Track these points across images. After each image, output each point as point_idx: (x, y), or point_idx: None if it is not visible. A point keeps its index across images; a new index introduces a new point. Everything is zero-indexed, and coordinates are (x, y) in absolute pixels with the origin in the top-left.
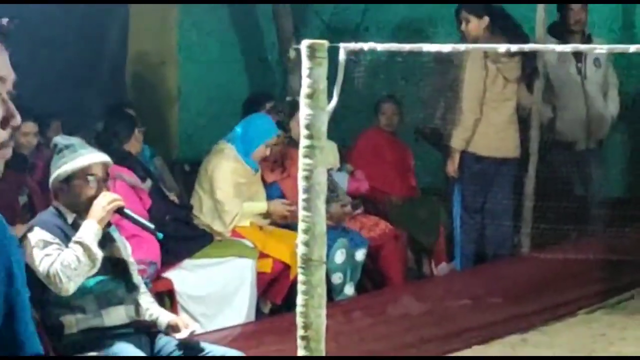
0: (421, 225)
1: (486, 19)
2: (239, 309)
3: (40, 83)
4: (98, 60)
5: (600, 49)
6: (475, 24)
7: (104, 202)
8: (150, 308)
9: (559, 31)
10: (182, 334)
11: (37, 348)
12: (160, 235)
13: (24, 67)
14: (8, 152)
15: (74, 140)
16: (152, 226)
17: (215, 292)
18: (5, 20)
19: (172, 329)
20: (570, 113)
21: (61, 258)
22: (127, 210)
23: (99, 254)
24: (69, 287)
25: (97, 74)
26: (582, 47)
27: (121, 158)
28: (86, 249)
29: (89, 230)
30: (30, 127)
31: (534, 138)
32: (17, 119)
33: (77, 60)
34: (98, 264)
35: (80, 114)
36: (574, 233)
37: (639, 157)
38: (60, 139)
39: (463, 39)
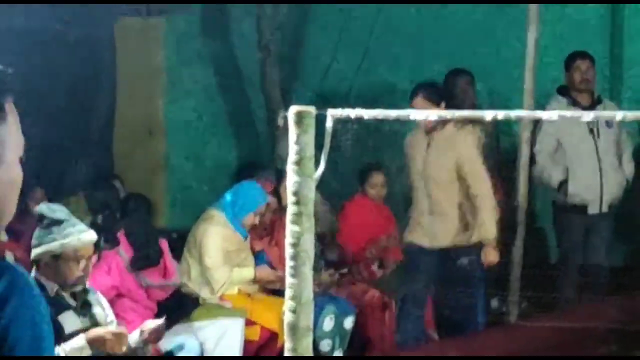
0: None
1: (442, 105)
2: None
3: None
4: (85, 129)
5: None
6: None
7: (108, 337)
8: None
9: (568, 92)
10: (150, 325)
11: None
12: None
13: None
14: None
15: (61, 213)
16: None
17: (206, 352)
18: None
19: (142, 333)
20: (583, 175)
21: None
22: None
23: None
24: None
25: (84, 143)
26: (569, 113)
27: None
28: None
29: (75, 348)
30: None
31: (521, 206)
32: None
33: (63, 128)
34: None
35: (65, 183)
36: (566, 301)
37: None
38: (46, 210)
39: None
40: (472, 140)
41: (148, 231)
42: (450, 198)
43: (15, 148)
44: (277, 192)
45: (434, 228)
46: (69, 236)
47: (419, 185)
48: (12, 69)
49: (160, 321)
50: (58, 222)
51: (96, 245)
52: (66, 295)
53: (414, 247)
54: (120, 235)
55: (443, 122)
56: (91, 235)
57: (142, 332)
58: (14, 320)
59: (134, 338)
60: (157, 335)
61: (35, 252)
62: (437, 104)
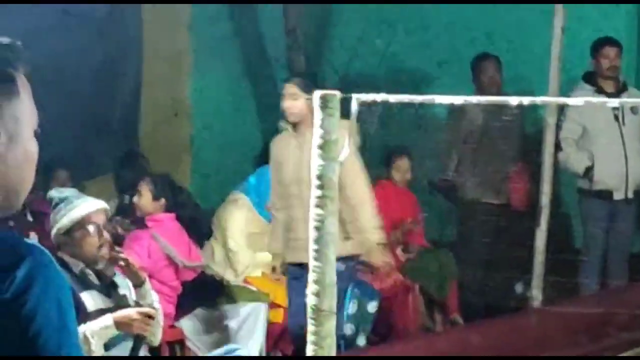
0: (433, 277)
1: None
2: (250, 354)
3: (49, 132)
4: (110, 110)
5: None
6: (303, 102)
7: (135, 317)
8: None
9: (594, 78)
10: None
11: None
12: None
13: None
14: None
15: (68, 191)
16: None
17: (225, 339)
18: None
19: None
20: (609, 161)
21: None
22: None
23: (97, 354)
24: None
25: (109, 124)
26: (595, 100)
27: (184, 212)
28: (85, 343)
29: (101, 327)
30: (61, 174)
31: (546, 191)
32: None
33: (89, 109)
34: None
35: (90, 164)
36: (587, 287)
37: None
38: (55, 193)
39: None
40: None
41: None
42: None
43: (29, 122)
44: None
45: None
46: (74, 208)
47: (294, 191)
48: (20, 42)
49: (152, 311)
50: (64, 200)
51: (123, 226)
52: (91, 274)
53: (295, 266)
54: (155, 217)
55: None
56: (98, 203)
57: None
58: (41, 301)
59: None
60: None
61: (52, 234)
62: (307, 94)
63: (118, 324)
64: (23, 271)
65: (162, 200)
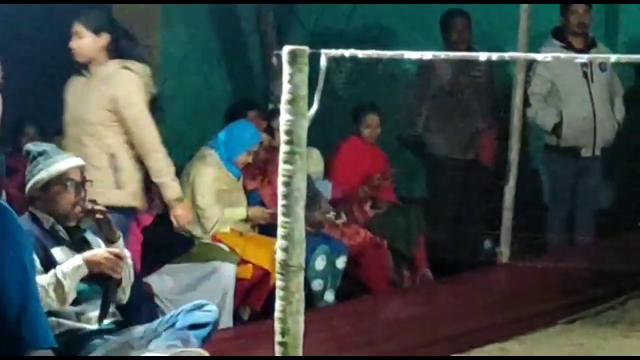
0: (401, 233)
1: (105, 37)
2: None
3: (14, 86)
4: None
5: (581, 58)
6: (89, 41)
7: (105, 256)
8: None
9: (563, 34)
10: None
11: (51, 340)
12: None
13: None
14: None
15: (46, 146)
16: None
17: (194, 296)
18: None
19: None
20: (577, 118)
21: None
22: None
23: (71, 296)
24: None
25: None
26: (564, 56)
27: None
28: (59, 286)
29: (72, 268)
30: (29, 130)
31: (514, 147)
32: None
33: (56, 63)
34: (66, 304)
35: (57, 120)
36: (555, 242)
37: (629, 169)
38: (32, 146)
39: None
40: (135, 81)
41: None
42: (104, 146)
43: None
44: (270, 129)
45: None
46: (54, 163)
47: (71, 131)
48: None
49: (120, 252)
50: (42, 153)
51: None
52: (61, 230)
53: None
54: None
55: (106, 59)
56: (76, 161)
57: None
58: (3, 258)
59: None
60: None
61: (27, 187)
62: (95, 33)
63: (88, 263)
64: None
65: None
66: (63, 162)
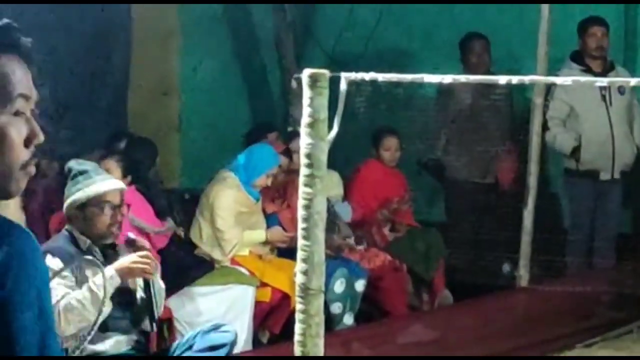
0: (421, 257)
1: None
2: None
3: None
4: (100, 89)
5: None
6: None
7: (133, 260)
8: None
9: (581, 58)
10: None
11: None
12: None
13: None
14: (32, 170)
15: (89, 165)
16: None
17: (214, 319)
18: (29, 40)
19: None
20: (596, 141)
21: (67, 300)
22: (150, 282)
23: (108, 306)
24: (67, 330)
25: (99, 103)
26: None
27: (146, 187)
28: (95, 299)
29: (105, 279)
30: None
31: (533, 171)
32: (40, 137)
33: (78, 88)
34: (104, 315)
35: (79, 143)
36: (574, 266)
37: None
38: (74, 164)
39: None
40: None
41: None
42: None
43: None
44: (288, 152)
45: None
46: (92, 184)
47: None
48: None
49: (148, 254)
50: (83, 172)
51: None
52: (97, 252)
53: None
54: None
55: None
56: (116, 183)
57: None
58: (18, 287)
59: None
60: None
61: (65, 205)
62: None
63: (120, 272)
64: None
65: (129, 178)
66: (102, 184)
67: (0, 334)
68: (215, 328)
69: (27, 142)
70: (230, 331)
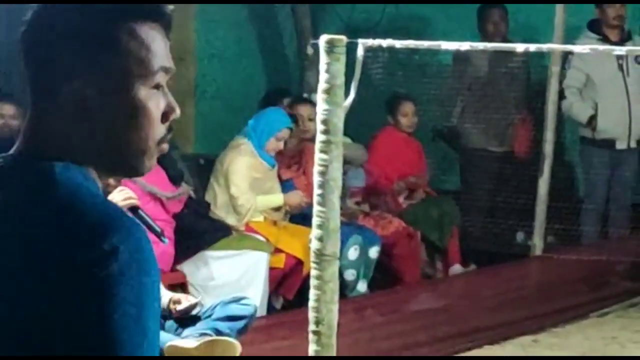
0: (435, 225)
1: None
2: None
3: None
4: None
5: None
6: None
7: (120, 198)
8: None
9: (598, 26)
10: (182, 305)
11: None
12: (166, 241)
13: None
14: (165, 147)
15: None
16: (159, 230)
17: (227, 284)
18: (171, 8)
19: (174, 303)
20: (612, 110)
21: None
22: (140, 211)
23: None
24: None
25: None
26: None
27: (165, 157)
28: None
29: None
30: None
31: (549, 139)
32: (177, 112)
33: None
34: None
35: None
36: (589, 235)
37: None
38: None
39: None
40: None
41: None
42: None
43: None
44: (294, 117)
45: None
46: None
47: None
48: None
49: (194, 301)
50: None
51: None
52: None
53: None
54: None
55: None
56: None
57: (172, 301)
58: (127, 280)
59: (162, 301)
60: (186, 313)
61: None
62: None
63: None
64: (110, 246)
65: None
66: None
67: (98, 323)
68: (236, 300)
69: (164, 117)
70: (250, 304)
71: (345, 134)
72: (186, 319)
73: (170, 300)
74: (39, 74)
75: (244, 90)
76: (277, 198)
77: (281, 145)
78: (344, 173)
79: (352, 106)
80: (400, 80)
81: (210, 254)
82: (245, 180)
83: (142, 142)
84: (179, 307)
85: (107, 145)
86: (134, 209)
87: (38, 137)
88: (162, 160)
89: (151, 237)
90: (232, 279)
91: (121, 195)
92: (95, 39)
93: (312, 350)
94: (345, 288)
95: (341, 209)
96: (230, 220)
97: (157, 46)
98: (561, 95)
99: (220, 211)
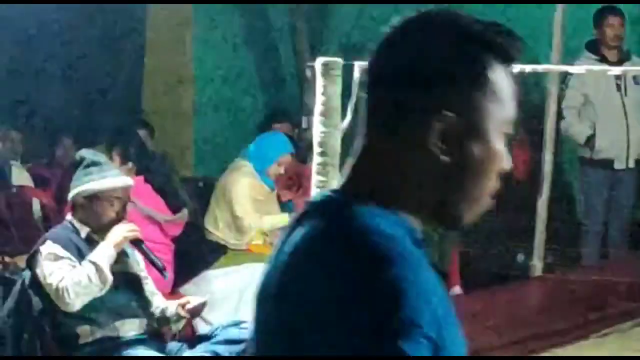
0: (435, 248)
1: None
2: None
3: (53, 99)
4: (113, 77)
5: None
6: None
7: (124, 230)
8: (159, 303)
9: (597, 47)
10: (192, 304)
11: None
12: (167, 276)
13: (39, 81)
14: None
15: (102, 157)
16: (161, 265)
17: (231, 297)
18: (518, 44)
19: (183, 306)
20: (610, 130)
21: (72, 274)
22: (143, 246)
23: (110, 277)
24: (76, 303)
25: (112, 92)
26: (597, 68)
27: (163, 182)
28: (99, 270)
29: (105, 253)
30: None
31: (548, 160)
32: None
33: (92, 77)
34: (107, 287)
35: (93, 132)
36: (588, 256)
37: None
38: (87, 153)
39: None
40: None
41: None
42: None
43: None
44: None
45: None
46: (106, 177)
47: None
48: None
49: (202, 299)
50: (96, 164)
51: None
52: (98, 239)
53: None
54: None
55: None
56: (127, 180)
57: (180, 306)
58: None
59: (170, 310)
60: (196, 312)
61: (72, 192)
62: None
63: (114, 245)
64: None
65: (130, 164)
66: (116, 179)
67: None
68: (236, 324)
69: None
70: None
71: (346, 155)
72: (192, 339)
73: (178, 306)
74: (386, 111)
75: (243, 113)
76: (283, 218)
77: (282, 170)
78: None
79: (351, 128)
80: None
81: (211, 272)
82: (248, 200)
83: (480, 192)
84: (189, 306)
85: (453, 193)
86: (136, 242)
87: (365, 178)
88: (162, 186)
89: (153, 272)
90: (234, 292)
91: (127, 228)
92: (466, 78)
93: None
94: None
95: None
96: (234, 240)
97: (509, 93)
98: (559, 116)
99: (223, 233)
